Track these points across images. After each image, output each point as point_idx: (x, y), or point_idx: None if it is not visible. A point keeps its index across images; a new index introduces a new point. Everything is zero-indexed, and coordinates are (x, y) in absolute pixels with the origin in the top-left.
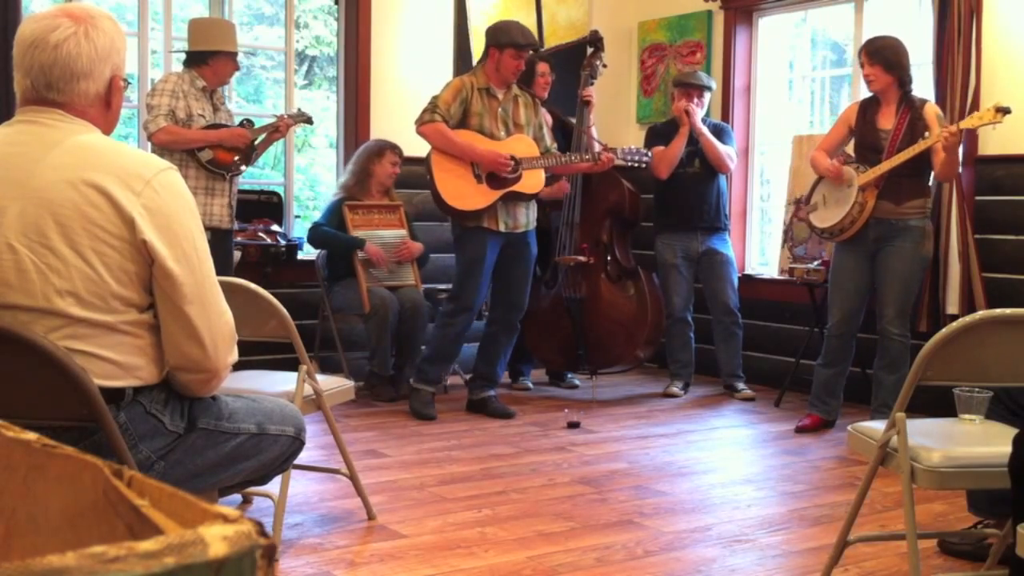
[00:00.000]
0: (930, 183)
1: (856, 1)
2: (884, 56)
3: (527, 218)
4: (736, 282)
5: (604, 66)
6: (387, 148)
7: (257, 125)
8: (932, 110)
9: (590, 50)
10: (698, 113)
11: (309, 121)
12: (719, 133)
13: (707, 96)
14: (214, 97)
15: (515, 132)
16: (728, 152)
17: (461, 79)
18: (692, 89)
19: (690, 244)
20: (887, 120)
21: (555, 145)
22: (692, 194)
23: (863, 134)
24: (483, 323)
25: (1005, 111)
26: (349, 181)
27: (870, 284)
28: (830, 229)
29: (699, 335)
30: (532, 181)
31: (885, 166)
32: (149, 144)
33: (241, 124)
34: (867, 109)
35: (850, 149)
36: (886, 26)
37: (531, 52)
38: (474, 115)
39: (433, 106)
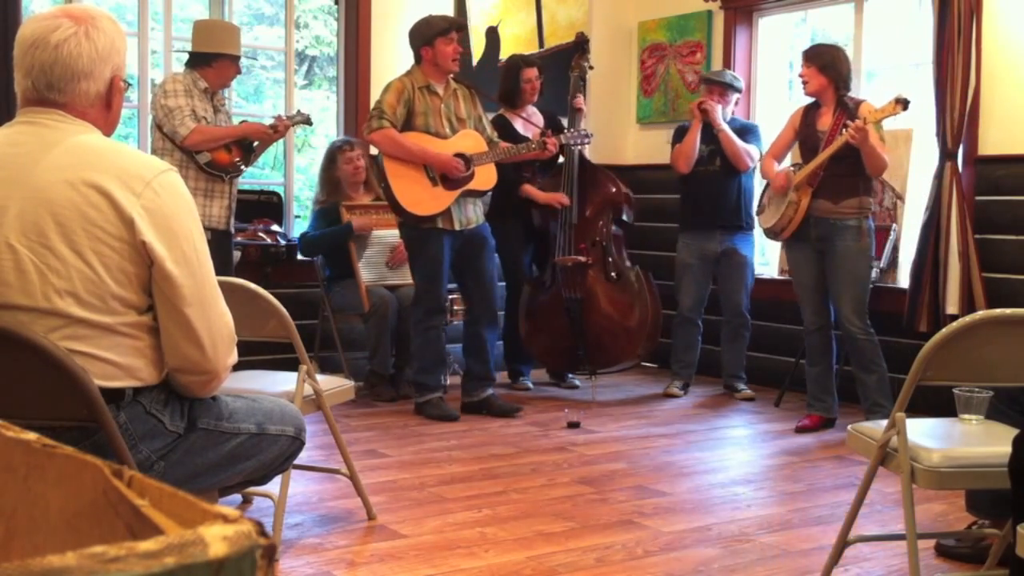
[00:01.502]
0: (872, 183)
1: (856, 1)
2: (821, 59)
3: (476, 213)
4: (751, 284)
5: (591, 67)
6: (335, 150)
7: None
8: (866, 108)
9: (576, 53)
10: (719, 110)
11: (308, 122)
12: (744, 132)
13: (733, 95)
14: (215, 99)
15: (459, 127)
16: (746, 149)
17: (401, 80)
18: (715, 86)
19: (708, 244)
20: (825, 121)
21: (496, 134)
22: (712, 192)
23: (804, 136)
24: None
25: (905, 103)
26: (321, 196)
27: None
28: (771, 229)
29: (705, 335)
30: (485, 176)
31: (811, 165)
32: (149, 146)
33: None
34: (809, 113)
35: None
36: (886, 26)
37: (458, 29)
38: (419, 115)
39: (379, 112)
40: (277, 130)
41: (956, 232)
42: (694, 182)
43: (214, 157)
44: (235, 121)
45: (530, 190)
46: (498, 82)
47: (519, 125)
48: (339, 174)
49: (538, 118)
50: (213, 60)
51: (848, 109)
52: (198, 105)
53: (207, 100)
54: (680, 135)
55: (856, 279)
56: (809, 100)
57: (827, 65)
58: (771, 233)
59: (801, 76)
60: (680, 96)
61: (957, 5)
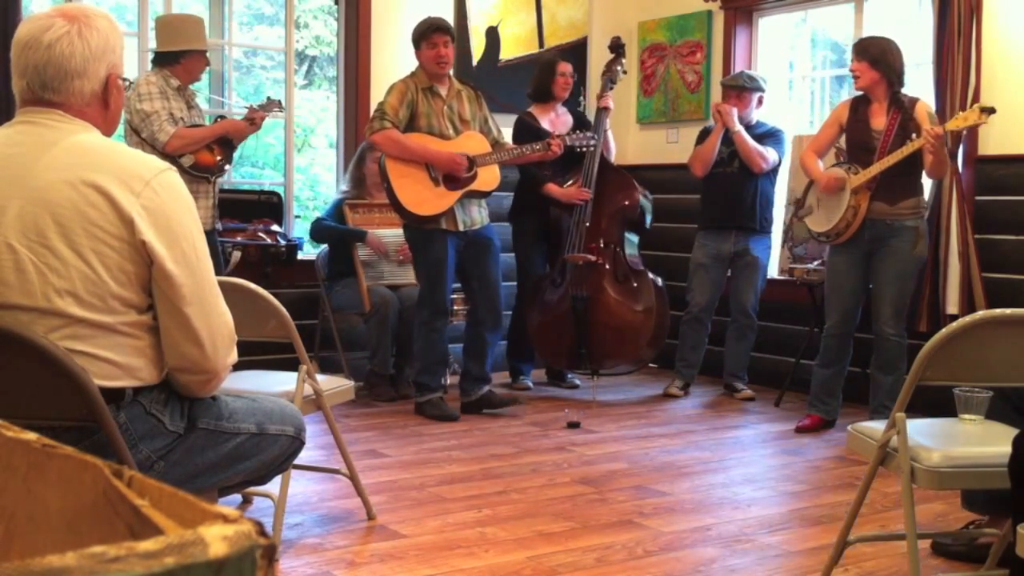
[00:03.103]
0: (922, 181)
1: (856, 1)
2: (871, 53)
3: (481, 215)
4: (761, 287)
5: (624, 72)
6: (367, 150)
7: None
8: (923, 108)
9: (611, 56)
10: (733, 113)
11: (280, 107)
12: (766, 136)
13: (753, 96)
14: (185, 95)
15: (463, 129)
16: (761, 152)
17: (404, 81)
18: (730, 90)
19: (722, 245)
20: (879, 120)
21: (502, 136)
22: (728, 193)
23: (855, 132)
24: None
25: (990, 111)
26: (348, 187)
27: (866, 284)
28: (826, 233)
29: (710, 334)
30: (488, 177)
31: (875, 168)
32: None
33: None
34: (858, 108)
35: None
36: (886, 26)
37: (440, 31)
38: (421, 116)
39: (382, 113)
40: (254, 122)
41: (956, 232)
42: (712, 183)
43: (198, 159)
44: (207, 114)
45: (552, 189)
46: (532, 78)
47: (546, 123)
48: (365, 171)
49: (566, 118)
50: (181, 57)
51: (903, 107)
52: (174, 106)
53: (180, 98)
54: (703, 137)
55: (903, 281)
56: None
57: (878, 59)
58: (824, 237)
59: (852, 71)
60: (680, 96)
61: (957, 5)
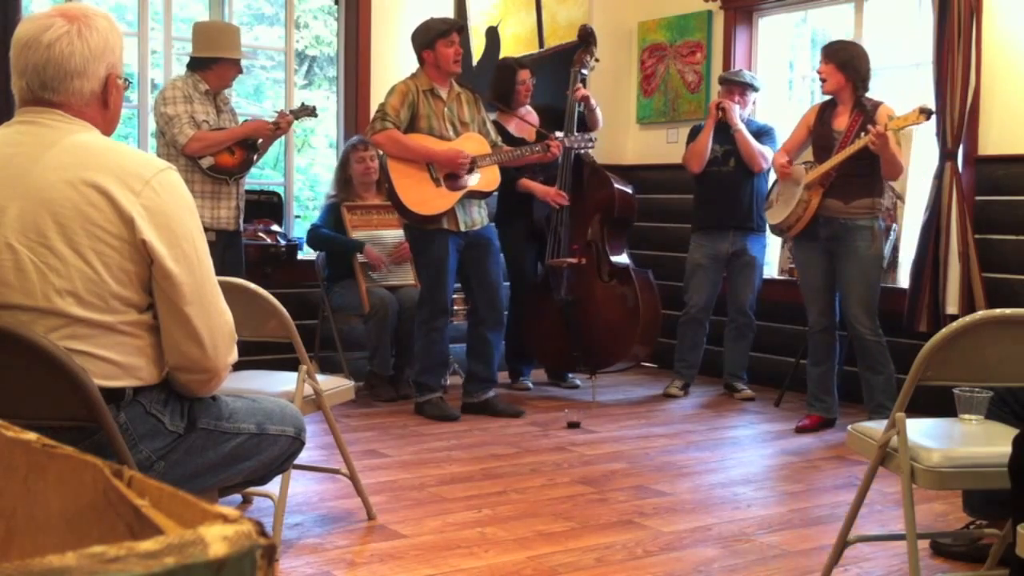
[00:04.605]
0: (883, 184)
1: (856, 1)
2: (839, 56)
3: (481, 215)
4: (758, 285)
5: (596, 60)
6: (349, 150)
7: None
8: (885, 112)
9: (580, 46)
10: (736, 110)
11: (313, 113)
12: (760, 134)
13: (751, 95)
14: (217, 99)
15: (462, 131)
16: (761, 151)
17: (406, 83)
18: (733, 86)
19: (720, 245)
20: (841, 121)
21: (499, 138)
22: (725, 193)
23: (819, 135)
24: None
25: (928, 113)
26: (335, 191)
27: (834, 279)
28: (778, 226)
29: (709, 335)
30: (488, 178)
31: (826, 166)
32: (155, 152)
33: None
34: (825, 111)
35: None
36: (886, 26)
37: (458, 30)
38: (422, 117)
39: (383, 114)
40: (279, 126)
41: (956, 232)
42: (708, 182)
43: (217, 160)
44: (240, 120)
45: (528, 184)
46: (492, 84)
47: (512, 127)
48: (350, 172)
49: (533, 117)
50: (213, 63)
51: (866, 111)
52: (198, 109)
53: (209, 102)
54: (695, 134)
55: (867, 280)
56: (819, 99)
57: (845, 63)
58: (778, 230)
59: (819, 73)
60: (680, 96)
61: (957, 5)
